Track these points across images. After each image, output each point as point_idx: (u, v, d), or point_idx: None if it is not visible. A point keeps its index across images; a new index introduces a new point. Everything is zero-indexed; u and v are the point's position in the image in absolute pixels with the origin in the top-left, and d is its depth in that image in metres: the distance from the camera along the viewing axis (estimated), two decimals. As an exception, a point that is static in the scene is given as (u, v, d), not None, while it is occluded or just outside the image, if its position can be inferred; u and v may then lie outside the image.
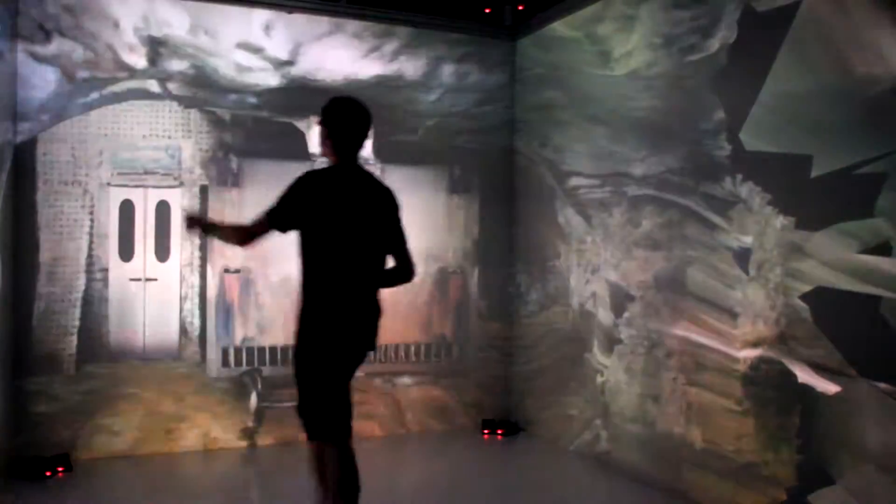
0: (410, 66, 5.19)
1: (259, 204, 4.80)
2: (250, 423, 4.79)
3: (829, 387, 3.06)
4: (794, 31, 3.20)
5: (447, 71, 5.29)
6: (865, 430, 2.91)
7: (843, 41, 3.01)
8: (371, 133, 3.05)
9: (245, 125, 4.79)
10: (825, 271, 3.08)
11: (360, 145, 3.00)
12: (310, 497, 3.54)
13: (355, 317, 2.98)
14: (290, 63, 4.88)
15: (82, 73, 4.38)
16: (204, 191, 4.71)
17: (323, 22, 4.95)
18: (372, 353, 3.18)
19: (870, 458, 2.89)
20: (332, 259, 2.90)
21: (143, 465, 4.35)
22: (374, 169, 5.11)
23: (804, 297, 3.18)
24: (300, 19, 4.88)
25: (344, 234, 2.90)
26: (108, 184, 4.49)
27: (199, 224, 3.16)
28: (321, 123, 2.99)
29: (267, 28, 4.80)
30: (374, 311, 3.06)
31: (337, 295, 2.92)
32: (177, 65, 4.60)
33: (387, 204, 3.04)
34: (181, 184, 4.65)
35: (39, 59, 4.28)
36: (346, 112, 2.96)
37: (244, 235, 3.05)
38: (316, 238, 2.92)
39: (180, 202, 4.66)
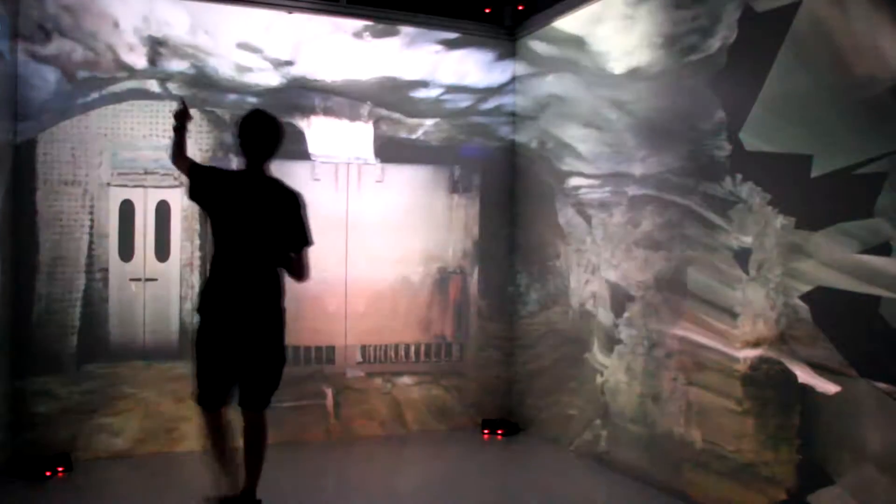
0: (410, 66, 5.19)
1: (259, 204, 4.83)
2: (250, 423, 4.78)
3: (829, 387, 3.06)
4: (794, 31, 3.20)
5: (447, 71, 5.29)
6: (865, 430, 2.91)
7: (843, 41, 3.01)
8: (279, 143, 3.38)
9: (245, 125, 4.79)
10: (825, 271, 3.08)
11: (262, 153, 3.34)
12: (310, 497, 3.55)
13: (224, 298, 3.30)
14: (290, 63, 4.88)
15: (82, 73, 4.39)
16: (204, 191, 4.71)
17: (323, 22, 4.95)
18: (265, 342, 3.40)
19: (870, 458, 2.89)
20: (221, 245, 3.32)
21: (143, 465, 4.35)
22: (375, 169, 5.13)
23: (804, 297, 3.18)
24: (300, 19, 4.89)
25: (233, 225, 3.29)
26: (108, 184, 4.49)
27: (182, 123, 3.43)
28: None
29: (267, 28, 4.81)
30: (253, 299, 3.32)
31: (219, 276, 3.32)
32: (177, 65, 4.60)
33: (285, 204, 3.37)
34: (181, 184, 4.64)
35: (39, 59, 4.29)
36: (249, 125, 3.34)
37: (178, 160, 3.45)
38: (213, 225, 3.36)
39: (180, 202, 4.66)
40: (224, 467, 3.40)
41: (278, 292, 3.40)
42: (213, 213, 3.34)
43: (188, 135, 3.51)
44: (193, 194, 3.39)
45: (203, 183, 3.36)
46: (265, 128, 3.34)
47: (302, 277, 3.45)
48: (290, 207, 3.38)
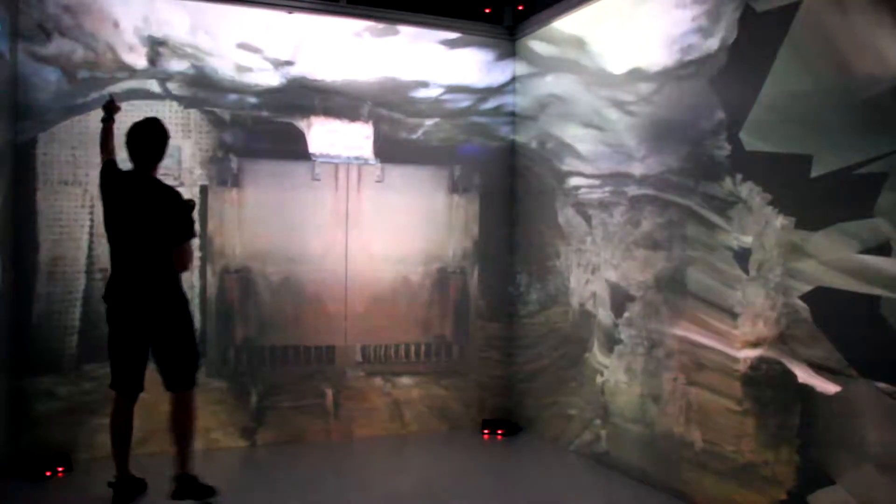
0: (410, 66, 5.19)
1: (259, 204, 4.86)
2: (250, 423, 4.79)
3: (829, 387, 3.06)
4: (794, 31, 3.20)
5: (447, 71, 5.29)
6: (865, 430, 2.91)
7: (843, 41, 3.01)
8: (163, 149, 3.70)
9: (245, 125, 4.79)
10: (825, 271, 3.08)
11: (146, 158, 3.66)
12: (310, 497, 3.54)
13: (119, 287, 3.66)
14: (290, 63, 4.88)
15: (82, 73, 4.39)
16: (204, 191, 4.71)
17: (323, 22, 4.95)
18: (157, 327, 3.70)
19: (870, 458, 2.89)
20: (112, 239, 3.67)
21: (143, 465, 4.34)
22: (375, 169, 5.12)
23: (804, 297, 3.18)
24: (300, 19, 4.88)
25: (121, 220, 3.63)
26: (108, 184, 4.49)
27: (109, 115, 3.84)
28: None
29: (267, 28, 4.81)
30: (144, 287, 3.63)
31: (115, 268, 3.70)
32: (177, 65, 4.60)
33: (165, 202, 3.64)
34: (181, 184, 4.64)
35: (39, 59, 4.29)
36: (135, 132, 3.66)
37: (103, 150, 3.82)
38: (105, 219, 3.69)
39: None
40: (121, 451, 3.73)
41: (172, 279, 3.67)
42: (106, 208, 3.68)
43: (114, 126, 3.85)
44: (100, 185, 3.75)
45: (106, 179, 3.72)
46: (150, 135, 3.67)
47: (183, 268, 3.72)
48: (170, 205, 3.64)
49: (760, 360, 3.39)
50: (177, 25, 4.58)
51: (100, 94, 4.42)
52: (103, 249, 4.46)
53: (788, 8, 3.22)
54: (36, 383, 4.30)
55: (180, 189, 4.62)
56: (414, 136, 5.24)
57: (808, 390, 3.15)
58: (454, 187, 5.39)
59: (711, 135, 3.67)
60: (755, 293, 3.42)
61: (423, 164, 5.27)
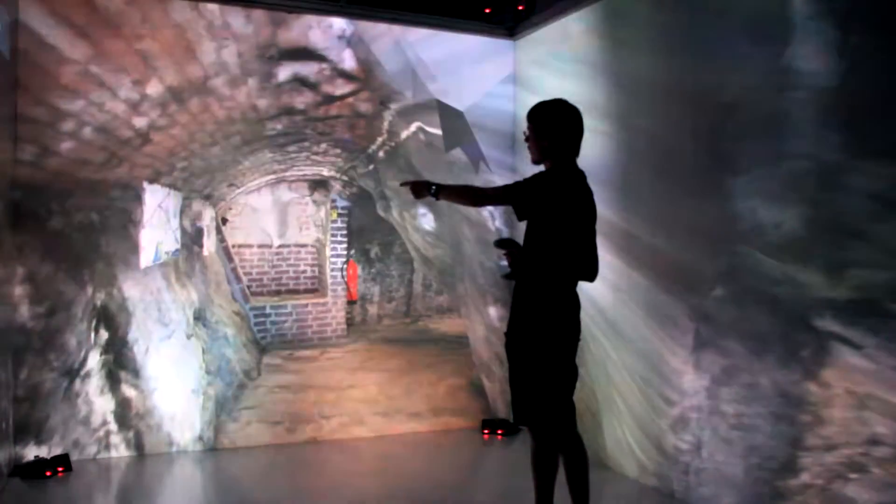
0: (410, 66, 5.18)
1: (259, 204, 4.84)
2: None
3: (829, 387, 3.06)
4: (794, 31, 3.20)
5: (447, 70, 5.28)
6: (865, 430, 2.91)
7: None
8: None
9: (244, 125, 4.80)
10: (824, 271, 3.08)
11: (577, 147, 3.08)
12: (309, 497, 3.54)
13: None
14: (290, 63, 4.87)
15: (82, 73, 4.39)
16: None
17: (323, 22, 4.95)
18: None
19: (870, 457, 2.89)
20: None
21: (143, 465, 4.36)
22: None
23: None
24: (301, 19, 4.88)
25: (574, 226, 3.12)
26: (108, 184, 4.50)
27: (427, 189, 3.18)
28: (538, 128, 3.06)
29: (267, 28, 4.80)
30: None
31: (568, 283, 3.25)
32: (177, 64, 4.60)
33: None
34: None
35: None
36: (561, 115, 3.04)
37: (478, 198, 3.30)
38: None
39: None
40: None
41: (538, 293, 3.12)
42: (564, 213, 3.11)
43: None
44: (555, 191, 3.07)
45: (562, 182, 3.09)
46: (577, 118, 3.07)
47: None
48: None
49: (760, 360, 3.38)
50: (177, 25, 4.58)
51: (99, 94, 4.43)
52: (103, 249, 4.48)
53: (788, 8, 3.22)
54: (36, 383, 4.29)
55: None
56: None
57: (807, 390, 3.14)
58: (454, 187, 5.38)
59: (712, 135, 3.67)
60: (755, 293, 3.42)
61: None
